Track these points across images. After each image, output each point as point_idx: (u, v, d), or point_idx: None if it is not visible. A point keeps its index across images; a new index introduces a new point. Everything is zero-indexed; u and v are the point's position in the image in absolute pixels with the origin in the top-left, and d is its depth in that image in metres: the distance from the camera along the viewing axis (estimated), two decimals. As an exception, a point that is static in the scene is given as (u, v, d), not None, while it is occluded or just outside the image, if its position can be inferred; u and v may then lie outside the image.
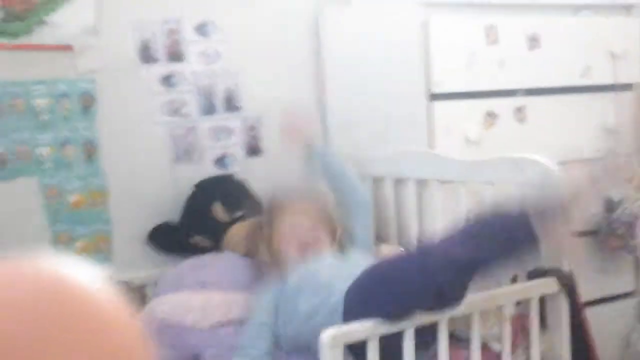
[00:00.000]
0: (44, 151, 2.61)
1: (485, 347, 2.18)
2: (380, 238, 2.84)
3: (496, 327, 2.21)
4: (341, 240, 2.45)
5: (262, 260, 2.43)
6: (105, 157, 2.70)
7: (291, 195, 2.65)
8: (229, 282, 2.46)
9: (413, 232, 2.69)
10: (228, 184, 2.82)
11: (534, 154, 2.32)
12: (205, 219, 2.73)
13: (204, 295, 2.39)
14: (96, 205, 2.70)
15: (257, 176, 2.93)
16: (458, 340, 2.16)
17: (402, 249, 2.55)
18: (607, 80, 3.01)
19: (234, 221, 2.73)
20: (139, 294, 2.59)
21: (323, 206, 2.56)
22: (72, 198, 2.66)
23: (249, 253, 2.50)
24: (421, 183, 2.68)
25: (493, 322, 2.20)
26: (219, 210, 2.73)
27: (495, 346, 2.20)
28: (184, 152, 2.84)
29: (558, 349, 2.33)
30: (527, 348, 2.27)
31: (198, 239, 2.74)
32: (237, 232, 2.68)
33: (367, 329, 1.96)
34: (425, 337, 2.05)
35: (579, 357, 2.37)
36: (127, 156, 2.74)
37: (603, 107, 3.00)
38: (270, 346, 2.21)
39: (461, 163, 2.49)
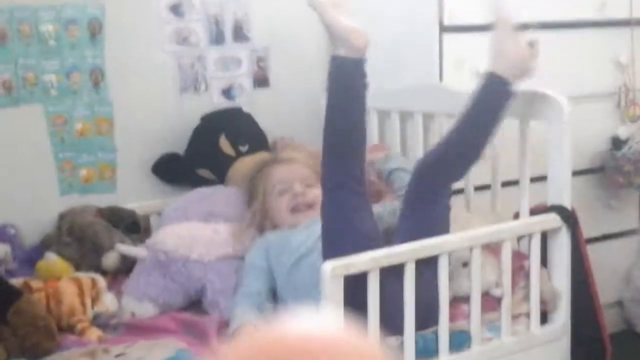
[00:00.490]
0: (51, 78, 2.60)
1: (485, 295, 2.19)
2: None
3: (492, 274, 2.22)
4: None
5: (254, 213, 2.43)
6: (112, 85, 2.69)
7: (295, 143, 2.65)
8: (235, 216, 2.47)
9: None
10: (235, 118, 2.82)
11: (544, 89, 2.31)
12: (211, 152, 2.73)
13: (210, 226, 2.40)
14: (102, 133, 2.70)
15: (264, 109, 2.93)
16: (457, 298, 2.17)
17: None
18: (622, 15, 2.96)
19: (239, 155, 2.73)
20: (143, 224, 2.61)
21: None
22: (78, 126, 2.66)
23: (249, 194, 2.49)
24: (428, 117, 2.67)
25: (489, 269, 2.21)
26: (224, 144, 2.73)
27: (495, 292, 2.22)
28: (191, 82, 2.83)
29: (558, 285, 2.35)
30: (525, 287, 2.28)
31: (203, 172, 2.74)
32: (241, 167, 2.68)
33: (367, 261, 1.97)
34: (426, 270, 2.07)
35: (578, 293, 2.39)
36: (134, 85, 2.73)
37: (617, 43, 2.96)
38: (268, 287, 2.22)
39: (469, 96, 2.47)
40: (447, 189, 2.17)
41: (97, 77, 2.67)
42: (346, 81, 2.13)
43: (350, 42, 2.11)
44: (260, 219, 2.41)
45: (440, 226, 2.13)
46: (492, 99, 2.17)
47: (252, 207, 2.44)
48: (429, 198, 2.13)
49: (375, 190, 2.48)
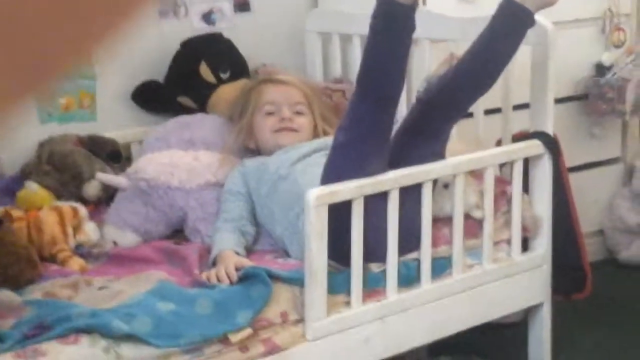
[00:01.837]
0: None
1: (466, 217, 2.19)
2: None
3: (473, 196, 2.22)
4: (318, 135, 2.40)
5: (240, 129, 2.41)
6: (89, 11, 2.63)
7: (278, 71, 2.61)
8: (217, 143, 2.45)
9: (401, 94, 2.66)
10: (215, 44, 2.77)
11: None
12: (191, 80, 2.69)
13: (191, 154, 2.38)
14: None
15: (245, 34, 2.88)
16: (438, 220, 2.17)
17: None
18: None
19: (220, 82, 2.70)
20: (124, 152, 2.58)
21: (316, 91, 2.52)
22: (55, 53, 2.60)
23: (231, 119, 2.47)
24: (412, 42, 2.63)
25: (470, 192, 2.21)
26: (205, 71, 2.69)
27: (476, 213, 2.22)
28: (170, 6, 2.77)
29: (539, 212, 2.36)
30: (506, 212, 2.29)
31: (183, 100, 2.71)
32: (223, 94, 2.65)
33: (352, 189, 1.96)
34: (408, 196, 2.06)
35: (559, 221, 2.40)
36: (111, 10, 2.67)
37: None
38: (249, 211, 2.22)
39: (454, 20, 2.44)
40: (451, 126, 2.15)
41: (73, 3, 2.61)
42: (396, 28, 2.02)
43: None
44: (245, 136, 2.39)
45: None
46: (512, 28, 2.11)
47: (239, 122, 2.41)
48: (432, 134, 2.12)
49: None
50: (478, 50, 2.10)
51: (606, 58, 2.98)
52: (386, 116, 2.02)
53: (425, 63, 2.54)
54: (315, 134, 2.39)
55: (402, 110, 2.59)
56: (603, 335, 2.65)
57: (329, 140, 2.12)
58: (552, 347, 2.45)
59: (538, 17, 2.25)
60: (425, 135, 2.11)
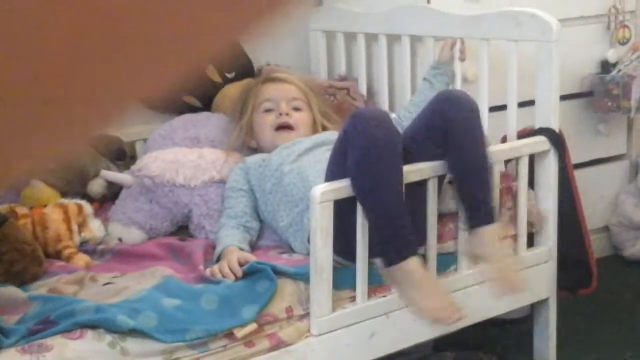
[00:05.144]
0: None
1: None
2: (371, 97, 2.82)
3: None
4: (318, 130, 2.41)
5: (241, 129, 2.41)
6: None
7: (282, 70, 2.62)
8: (222, 141, 2.46)
9: (406, 92, 2.66)
10: (221, 43, 2.77)
11: (534, 9, 2.28)
12: (197, 79, 2.70)
13: (196, 151, 2.38)
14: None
15: (250, 33, 2.88)
16: (443, 216, 2.17)
17: (394, 115, 2.53)
18: None
19: (225, 82, 2.70)
20: (129, 150, 2.59)
21: (315, 88, 2.53)
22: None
23: (234, 117, 2.48)
24: (416, 40, 2.63)
25: None
26: (211, 70, 2.70)
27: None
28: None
29: (545, 208, 2.35)
30: (512, 208, 2.29)
31: (189, 99, 2.72)
32: (228, 94, 2.65)
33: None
34: (415, 193, 2.06)
35: (565, 217, 2.39)
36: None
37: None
38: (252, 207, 2.22)
39: (458, 18, 2.44)
40: None
41: None
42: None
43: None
44: (245, 135, 2.41)
45: None
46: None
47: (239, 123, 2.43)
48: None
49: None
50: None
51: (611, 55, 2.97)
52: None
53: (430, 61, 2.53)
54: (315, 130, 2.40)
55: (406, 100, 2.60)
56: (608, 331, 2.65)
57: (330, 135, 2.12)
58: (557, 343, 2.45)
59: (543, 13, 2.26)
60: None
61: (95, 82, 0.38)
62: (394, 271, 1.89)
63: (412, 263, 1.88)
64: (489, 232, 2.03)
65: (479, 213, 2.04)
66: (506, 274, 2.01)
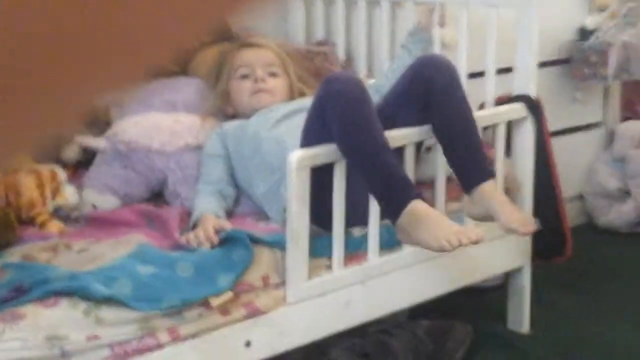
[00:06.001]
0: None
1: (448, 181, 2.18)
2: (349, 62, 2.80)
3: None
4: (295, 96, 2.39)
5: (217, 95, 2.39)
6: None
7: (259, 33, 2.59)
8: (198, 106, 2.43)
9: (385, 57, 2.64)
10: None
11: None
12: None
13: (171, 116, 2.35)
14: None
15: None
16: (420, 184, 2.16)
17: (373, 80, 2.51)
18: None
19: (202, 46, 2.66)
20: (104, 115, 2.55)
21: (292, 53, 2.50)
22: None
23: (210, 83, 2.46)
24: (395, 4, 2.61)
25: None
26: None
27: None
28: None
29: (521, 175, 2.35)
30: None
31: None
32: (204, 57, 2.62)
33: (334, 152, 1.95)
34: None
35: (541, 185, 2.40)
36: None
37: None
38: (229, 173, 2.21)
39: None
40: None
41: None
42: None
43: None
44: (222, 102, 2.39)
45: None
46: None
47: (215, 89, 2.41)
48: None
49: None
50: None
51: (590, 22, 2.96)
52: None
53: (409, 26, 2.51)
54: (292, 95, 2.39)
55: (385, 66, 2.58)
56: (582, 299, 2.67)
57: (308, 101, 2.10)
58: (531, 311, 2.46)
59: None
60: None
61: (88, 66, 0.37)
62: (402, 219, 1.88)
63: (417, 204, 1.88)
64: (489, 188, 2.03)
65: (474, 172, 2.04)
66: (518, 219, 2.00)
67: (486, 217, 2.07)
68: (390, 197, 1.90)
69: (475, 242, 1.85)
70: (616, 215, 3.14)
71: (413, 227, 1.87)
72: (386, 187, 1.90)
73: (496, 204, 2.02)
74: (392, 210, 1.91)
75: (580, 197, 3.22)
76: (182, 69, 2.65)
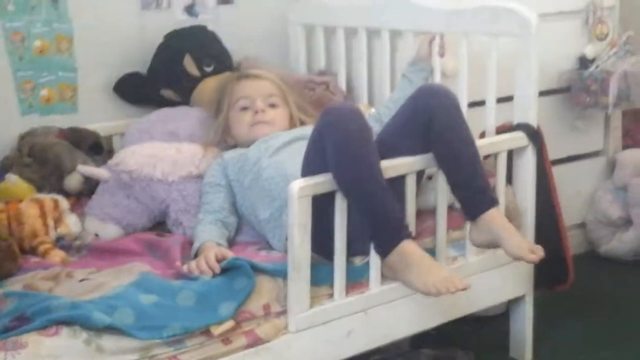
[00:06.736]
0: (7, -8, 2.53)
1: (450, 209, 2.19)
2: (350, 92, 2.81)
3: None
4: (295, 125, 2.42)
5: (218, 127, 2.41)
6: (71, 1, 2.61)
7: (260, 63, 2.62)
8: (200, 136, 2.45)
9: (385, 87, 2.66)
10: (199, 37, 2.76)
11: (512, 4, 2.28)
12: (175, 72, 2.68)
13: (174, 146, 2.37)
14: (61, 51, 2.64)
15: (229, 27, 2.87)
16: (422, 212, 2.17)
17: (374, 110, 2.53)
18: None
19: (204, 76, 2.69)
20: (106, 145, 2.57)
21: (291, 83, 2.53)
22: (37, 43, 2.59)
23: (212, 113, 2.48)
24: (396, 34, 2.63)
25: None
26: (189, 64, 2.68)
27: (458, 205, 2.21)
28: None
29: (523, 204, 2.36)
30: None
31: (166, 92, 2.70)
32: (206, 88, 2.64)
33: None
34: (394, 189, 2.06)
35: (542, 213, 2.40)
36: (94, 1, 2.66)
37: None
38: (230, 202, 2.22)
39: (437, 12, 2.44)
40: None
41: (55, -8, 2.60)
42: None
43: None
44: (223, 133, 2.40)
45: None
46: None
47: (216, 120, 2.43)
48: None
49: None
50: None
51: (589, 51, 2.98)
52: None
53: (409, 56, 2.53)
54: (292, 125, 2.41)
55: (386, 95, 2.60)
56: (584, 327, 2.66)
57: (308, 129, 2.11)
58: (534, 340, 2.46)
59: (522, 7, 2.26)
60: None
61: None
62: (391, 258, 1.88)
63: (408, 245, 1.89)
64: (494, 215, 2.04)
65: (478, 200, 2.05)
66: (524, 247, 2.01)
67: (491, 244, 2.07)
68: (381, 235, 1.91)
69: (463, 290, 1.87)
70: (618, 243, 3.13)
71: (402, 268, 1.89)
72: (378, 224, 1.91)
73: (502, 232, 2.03)
74: (382, 248, 1.93)
75: (582, 225, 3.21)
76: (184, 99, 2.67)
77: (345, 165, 1.91)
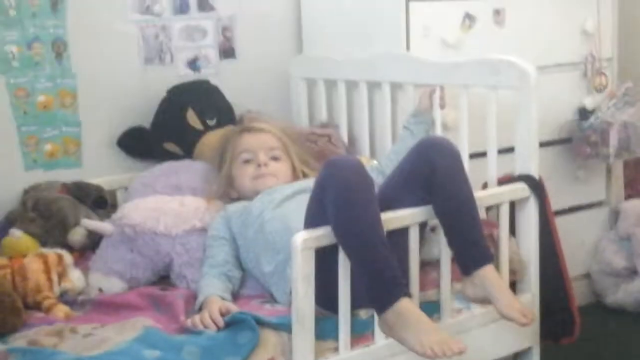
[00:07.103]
0: (11, 49, 2.55)
1: (454, 261, 2.18)
2: (352, 143, 2.83)
3: None
4: (298, 177, 2.43)
5: (220, 181, 2.43)
6: (75, 56, 2.65)
7: (263, 116, 2.64)
8: (203, 189, 2.45)
9: (386, 138, 2.67)
10: (202, 91, 2.79)
11: (511, 57, 2.30)
12: (178, 126, 2.70)
13: (178, 199, 2.37)
14: (65, 106, 2.66)
15: (231, 80, 2.90)
16: (425, 264, 2.17)
17: (375, 162, 2.54)
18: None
19: (207, 129, 2.70)
20: (110, 199, 2.58)
21: (293, 135, 2.54)
22: (41, 98, 2.61)
23: (215, 166, 2.49)
24: (396, 87, 2.65)
25: None
26: (192, 118, 2.70)
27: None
28: (156, 53, 2.79)
29: (526, 255, 2.35)
30: (494, 255, 2.28)
31: (170, 146, 2.71)
32: (209, 141, 2.65)
33: (338, 233, 1.95)
34: (397, 241, 2.06)
35: (547, 264, 2.39)
36: (97, 56, 2.69)
37: (583, 11, 2.96)
38: (234, 255, 2.21)
39: (437, 65, 2.46)
40: None
41: (59, 48, 2.62)
42: None
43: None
44: (226, 186, 2.41)
45: None
46: None
47: (219, 173, 2.44)
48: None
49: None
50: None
51: (589, 102, 3.00)
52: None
53: (410, 108, 2.55)
54: (295, 177, 2.42)
55: (387, 146, 2.61)
56: (592, 379, 2.64)
57: (311, 182, 2.12)
58: (541, 392, 2.44)
59: (521, 60, 2.28)
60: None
61: None
62: (388, 315, 1.87)
63: (405, 303, 1.87)
64: (489, 272, 2.03)
65: (474, 255, 2.04)
66: (516, 308, 2.01)
67: (484, 300, 2.07)
68: (379, 292, 1.89)
69: (459, 354, 1.84)
70: (624, 294, 3.12)
71: (398, 326, 1.87)
72: (375, 281, 1.89)
73: (495, 291, 2.02)
74: (379, 305, 1.91)
75: (587, 276, 3.20)
76: (187, 153, 2.69)
77: (344, 219, 1.91)
